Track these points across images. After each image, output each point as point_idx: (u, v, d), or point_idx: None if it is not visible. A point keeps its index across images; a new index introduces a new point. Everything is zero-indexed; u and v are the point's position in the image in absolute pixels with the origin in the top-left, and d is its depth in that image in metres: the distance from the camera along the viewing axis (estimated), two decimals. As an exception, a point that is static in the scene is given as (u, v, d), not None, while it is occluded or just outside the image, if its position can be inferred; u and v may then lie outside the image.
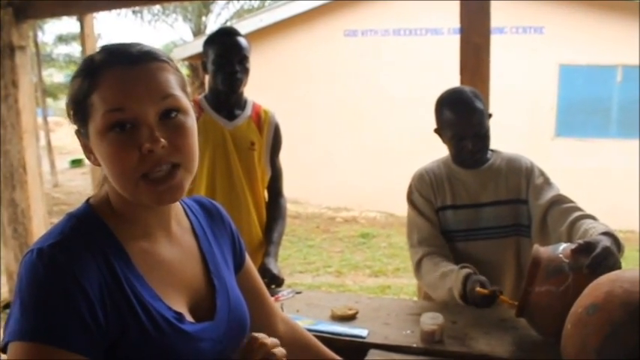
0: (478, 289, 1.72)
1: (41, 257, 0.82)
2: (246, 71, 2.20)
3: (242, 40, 2.20)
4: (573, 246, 1.55)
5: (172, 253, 0.98)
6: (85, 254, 0.84)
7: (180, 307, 0.94)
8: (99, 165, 0.90)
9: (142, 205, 0.91)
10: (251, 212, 2.27)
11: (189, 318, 0.94)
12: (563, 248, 1.58)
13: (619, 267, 1.49)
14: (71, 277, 0.81)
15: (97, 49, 0.92)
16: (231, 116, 2.26)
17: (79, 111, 0.89)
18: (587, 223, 1.75)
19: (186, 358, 0.91)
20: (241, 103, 2.30)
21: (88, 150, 0.91)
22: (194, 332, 0.93)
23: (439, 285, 1.90)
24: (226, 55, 2.16)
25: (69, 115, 0.91)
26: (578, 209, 1.87)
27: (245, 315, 1.07)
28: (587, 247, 1.52)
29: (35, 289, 0.80)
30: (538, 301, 1.54)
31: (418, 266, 1.99)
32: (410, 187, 2.10)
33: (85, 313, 0.81)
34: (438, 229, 2.03)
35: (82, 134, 0.91)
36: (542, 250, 1.61)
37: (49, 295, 0.80)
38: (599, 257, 1.47)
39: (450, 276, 1.86)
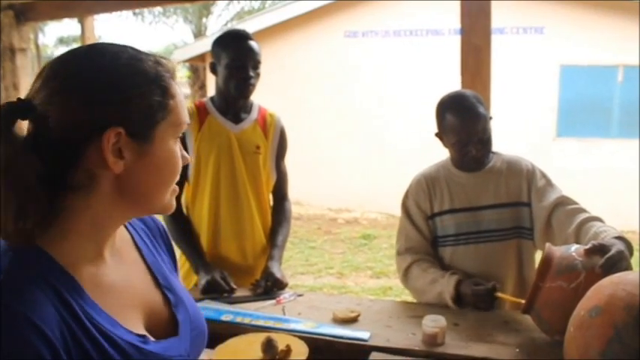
0: (477, 287, 1.79)
1: None
2: (258, 76, 2.19)
3: (255, 45, 2.17)
4: (587, 246, 1.56)
5: (120, 271, 0.92)
6: (36, 292, 0.75)
7: (138, 326, 0.90)
8: (118, 171, 0.82)
9: (140, 214, 0.93)
10: (254, 216, 2.26)
11: (150, 337, 0.90)
12: (575, 248, 1.60)
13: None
14: (30, 325, 0.72)
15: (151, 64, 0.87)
16: (237, 119, 2.25)
17: (150, 116, 0.84)
18: (596, 226, 1.75)
19: None
20: (247, 107, 2.28)
21: (117, 153, 0.82)
22: (161, 351, 0.89)
23: (427, 290, 1.96)
24: (241, 60, 2.13)
25: (127, 120, 0.82)
26: (584, 211, 1.87)
27: (204, 322, 1.05)
28: (601, 249, 1.53)
29: None
30: (548, 296, 1.54)
31: (406, 272, 2.04)
32: (406, 192, 2.11)
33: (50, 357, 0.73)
34: (428, 239, 2.06)
35: (134, 136, 0.83)
36: (555, 249, 1.62)
37: (9, 351, 0.70)
38: (613, 258, 1.48)
39: (440, 281, 1.92)
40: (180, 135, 0.91)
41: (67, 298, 0.78)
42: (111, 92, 0.81)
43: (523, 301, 1.64)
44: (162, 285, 0.99)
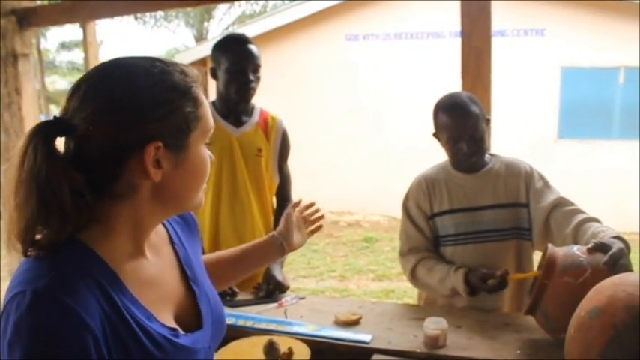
0: (490, 281, 1.83)
1: (41, 300, 0.78)
2: (258, 80, 2.19)
3: (254, 49, 2.18)
4: (589, 245, 1.60)
5: (157, 266, 0.99)
6: (83, 287, 0.81)
7: (170, 319, 0.97)
8: (157, 180, 0.88)
9: (178, 212, 1.02)
10: (256, 219, 2.27)
11: (181, 331, 0.97)
12: (577, 247, 1.63)
13: (631, 270, 1.54)
14: (77, 317, 0.79)
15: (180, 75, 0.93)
16: (238, 123, 2.25)
17: (185, 127, 0.91)
18: (594, 227, 1.78)
19: None
20: (249, 110, 2.29)
21: (156, 164, 0.88)
22: (190, 344, 0.96)
23: (439, 287, 2.00)
24: (240, 64, 2.14)
25: (165, 134, 0.88)
26: (582, 212, 1.90)
27: (224, 315, 1.12)
28: (602, 247, 1.57)
29: (41, 335, 0.77)
30: (555, 293, 1.56)
31: (413, 273, 2.07)
32: (407, 194, 2.14)
33: (93, 353, 0.80)
34: (430, 238, 2.09)
35: (171, 147, 0.89)
36: (558, 248, 1.65)
37: (58, 339, 0.77)
38: (615, 256, 1.53)
39: (449, 278, 1.95)
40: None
41: (109, 292, 0.85)
42: (149, 111, 0.87)
43: (537, 274, 1.67)
44: (189, 278, 1.05)
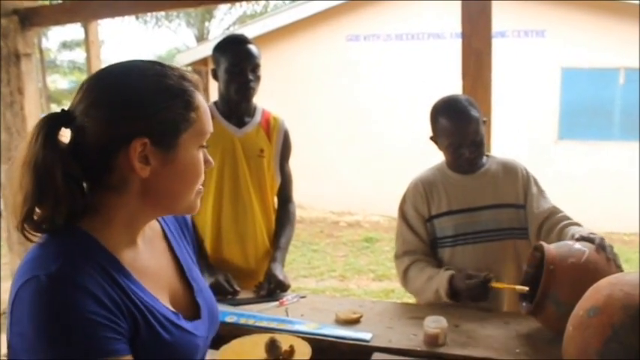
0: (471, 280, 1.83)
1: (57, 282, 0.84)
2: (258, 79, 2.20)
3: (254, 48, 2.19)
4: (575, 237, 1.70)
5: (151, 258, 1.04)
6: (89, 270, 0.88)
7: (168, 305, 1.01)
8: (144, 176, 0.93)
9: (163, 213, 1.04)
10: (257, 220, 2.28)
11: (181, 316, 1.02)
12: (565, 241, 1.73)
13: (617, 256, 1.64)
14: (89, 294, 0.85)
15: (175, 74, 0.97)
16: (240, 123, 2.26)
17: (173, 127, 0.95)
18: (573, 229, 1.88)
19: (189, 354, 1.00)
20: (251, 110, 2.30)
21: (144, 160, 0.93)
22: (192, 329, 1.02)
23: (426, 288, 1.99)
24: (240, 64, 2.15)
25: (152, 132, 0.93)
26: (568, 218, 1.99)
27: (218, 312, 1.17)
28: (586, 239, 1.67)
29: (60, 313, 0.82)
30: (563, 276, 1.58)
31: (405, 274, 2.08)
32: (404, 197, 2.14)
33: (111, 323, 0.86)
34: (426, 241, 2.09)
35: (158, 145, 0.94)
36: (550, 245, 1.71)
37: (79, 315, 0.83)
38: (603, 241, 1.63)
39: (435, 278, 1.95)
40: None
41: (114, 276, 0.91)
42: (137, 108, 0.93)
43: (518, 287, 1.74)
44: (187, 274, 1.10)
